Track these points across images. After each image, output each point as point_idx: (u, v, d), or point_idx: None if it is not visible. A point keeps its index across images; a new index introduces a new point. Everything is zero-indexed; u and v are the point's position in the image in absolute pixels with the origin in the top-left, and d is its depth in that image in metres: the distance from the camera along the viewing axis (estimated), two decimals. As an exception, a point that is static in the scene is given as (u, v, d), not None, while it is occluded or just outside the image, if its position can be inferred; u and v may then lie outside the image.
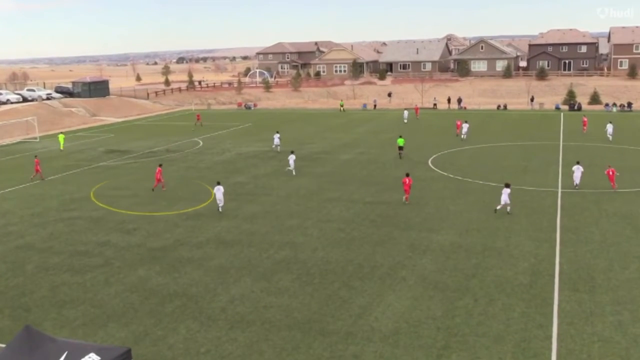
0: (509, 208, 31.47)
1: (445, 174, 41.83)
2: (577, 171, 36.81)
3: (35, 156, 48.60)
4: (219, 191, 33.72)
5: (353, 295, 21.87)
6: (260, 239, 28.75)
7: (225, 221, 32.00)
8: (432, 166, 44.64)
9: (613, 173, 35.77)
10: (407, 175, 35.27)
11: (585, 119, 62.01)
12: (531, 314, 19.84)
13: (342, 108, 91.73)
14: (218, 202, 33.87)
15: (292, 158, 43.49)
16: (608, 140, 54.08)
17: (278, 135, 54.84)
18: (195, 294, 22.53)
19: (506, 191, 31.41)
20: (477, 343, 18.11)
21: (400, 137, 49.84)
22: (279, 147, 53.76)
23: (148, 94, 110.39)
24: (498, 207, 31.67)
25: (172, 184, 41.57)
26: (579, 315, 19.65)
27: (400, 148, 48.55)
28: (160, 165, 41.38)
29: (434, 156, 48.57)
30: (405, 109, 78.55)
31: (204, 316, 20.58)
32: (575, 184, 36.71)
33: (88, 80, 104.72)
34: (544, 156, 46.90)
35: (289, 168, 43.46)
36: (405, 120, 71.85)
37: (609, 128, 55.31)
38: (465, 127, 57.58)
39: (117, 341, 18.99)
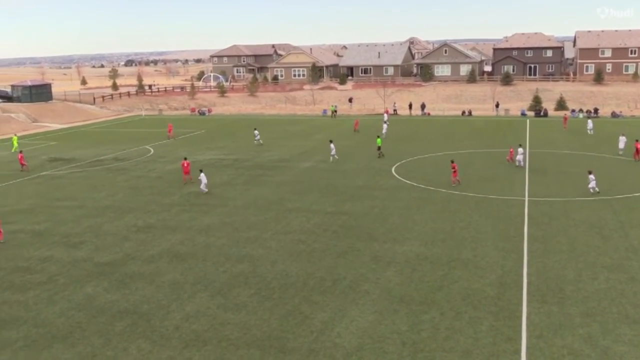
0: (597, 189, 36.99)
1: (410, 182, 42.24)
2: (520, 154, 46.17)
3: (21, 151, 53.82)
4: (204, 177, 40.35)
5: (314, 310, 21.87)
6: (216, 252, 28.55)
7: (178, 233, 31.69)
8: (396, 174, 45.03)
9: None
10: (452, 161, 41.45)
11: (566, 116, 72.55)
12: (499, 327, 20.13)
13: (334, 114, 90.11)
14: (204, 186, 40.12)
15: (333, 149, 51.23)
16: (587, 135, 63.29)
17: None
18: (147, 311, 22.22)
19: (591, 177, 36.98)
20: (444, 358, 18.28)
21: (379, 137, 54.82)
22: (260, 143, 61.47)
23: (94, 98, 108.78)
24: (592, 188, 37.08)
25: (121, 195, 41.04)
26: (548, 327, 20.01)
27: (379, 148, 53.03)
28: (185, 159, 45.13)
29: (398, 164, 49.02)
30: (385, 112, 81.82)
31: (157, 335, 20.31)
32: (520, 163, 45.97)
33: (29, 83, 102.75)
34: (510, 164, 47.70)
35: (332, 154, 51.01)
36: (386, 119, 75.25)
37: (589, 124, 64.98)
38: (385, 127, 66.90)
39: (62, 363, 18.62)
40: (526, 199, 36.85)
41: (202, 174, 40.55)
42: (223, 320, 21.22)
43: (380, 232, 30.95)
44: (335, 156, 51.20)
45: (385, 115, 79.08)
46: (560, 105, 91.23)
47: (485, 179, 42.77)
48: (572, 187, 39.02)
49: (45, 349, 19.61)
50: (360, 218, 33.71)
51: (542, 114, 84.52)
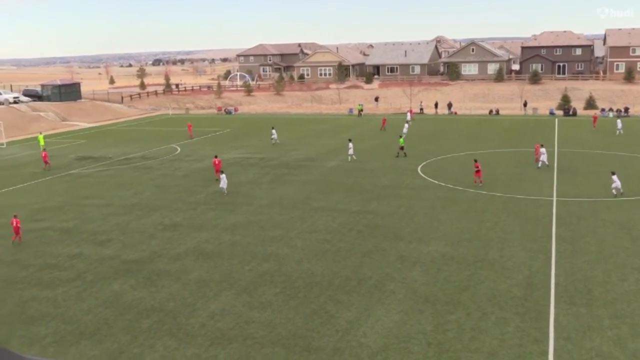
0: (614, 191, 36.01)
1: (436, 181, 42.03)
2: (542, 154, 45.47)
3: (44, 149, 55.20)
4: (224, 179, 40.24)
5: (340, 309, 21.87)
6: (241, 251, 28.69)
7: (204, 232, 31.91)
8: (421, 174, 44.84)
9: None
10: (476, 160, 40.89)
11: (596, 116, 72.67)
12: (526, 329, 19.95)
13: (360, 113, 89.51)
14: (225, 188, 39.79)
15: (350, 148, 51.12)
16: (616, 135, 62.09)
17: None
18: (173, 309, 22.41)
19: (614, 178, 36.10)
20: (469, 359, 18.17)
21: (401, 137, 54.69)
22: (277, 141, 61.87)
23: (122, 97, 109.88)
24: (620, 191, 36.06)
25: (148, 193, 41.43)
26: (576, 329, 19.79)
27: (401, 148, 52.72)
28: (216, 156, 46.23)
29: (424, 163, 48.81)
30: (409, 112, 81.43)
31: (183, 332, 20.48)
32: (544, 164, 45.13)
33: (58, 82, 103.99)
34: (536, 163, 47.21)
35: (350, 154, 51.03)
36: (408, 119, 74.96)
37: (619, 124, 64.00)
38: (406, 127, 65.66)
39: None
40: (554, 199, 36.46)
41: (223, 175, 40.51)
42: (248, 319, 21.32)
43: (406, 232, 30.85)
44: (354, 156, 50.93)
45: (409, 114, 78.32)
46: (590, 104, 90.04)
47: (513, 178, 42.40)
48: (601, 187, 38.45)
49: (73, 345, 19.88)
50: (386, 217, 33.63)
51: (571, 113, 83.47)
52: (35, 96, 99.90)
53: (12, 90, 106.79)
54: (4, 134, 69.86)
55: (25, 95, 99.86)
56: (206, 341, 19.79)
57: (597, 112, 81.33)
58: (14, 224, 30.89)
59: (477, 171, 40.32)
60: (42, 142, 61.96)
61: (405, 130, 64.61)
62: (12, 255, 29.09)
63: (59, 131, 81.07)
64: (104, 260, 27.95)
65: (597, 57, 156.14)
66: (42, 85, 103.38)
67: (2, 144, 67.99)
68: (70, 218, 35.68)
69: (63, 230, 33.25)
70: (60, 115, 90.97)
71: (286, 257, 27.58)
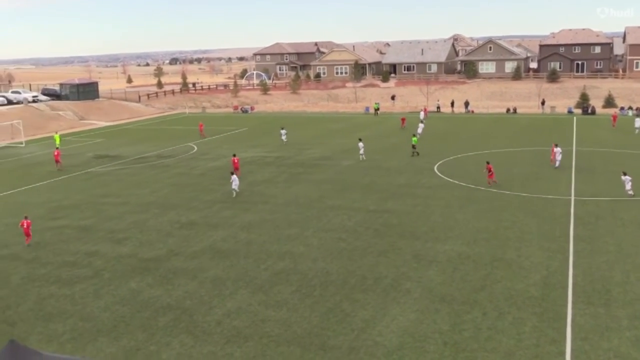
0: (631, 192, 35.51)
1: (453, 180, 41.86)
2: (558, 154, 44.82)
3: (57, 148, 55.01)
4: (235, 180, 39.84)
5: (355, 308, 21.87)
6: (257, 249, 28.76)
7: (220, 230, 32.02)
8: (438, 173, 44.68)
9: None
10: (488, 162, 40.61)
11: (615, 114, 70.19)
12: (543, 329, 19.83)
13: (376, 112, 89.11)
14: (235, 188, 39.38)
15: (361, 148, 51.21)
16: (635, 133, 61.41)
17: None
18: (190, 306, 22.52)
19: (627, 179, 35.74)
20: (486, 359, 18.09)
21: (414, 136, 55.02)
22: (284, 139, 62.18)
23: (139, 96, 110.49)
24: (630, 192, 35.60)
25: (164, 191, 41.65)
26: (594, 330, 19.63)
27: (414, 147, 52.72)
28: (234, 155, 46.23)
29: (440, 162, 48.63)
30: (423, 110, 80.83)
31: (199, 330, 20.58)
32: (555, 165, 44.60)
33: (76, 82, 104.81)
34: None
35: (361, 153, 51.05)
36: (422, 118, 74.06)
37: (637, 122, 62.40)
38: (420, 127, 64.88)
39: (107, 356, 19.01)
40: (572, 198, 36.18)
41: (234, 176, 40.32)
42: (264, 317, 21.38)
43: (422, 231, 30.76)
44: (363, 156, 50.93)
45: (422, 113, 77.60)
46: (609, 102, 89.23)
47: (531, 178, 42.12)
48: (619, 186, 38.05)
49: (91, 342, 20.04)
50: (402, 216, 33.55)
51: (589, 111, 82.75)
52: (53, 95, 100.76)
53: (31, 90, 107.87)
54: (23, 133, 70.50)
55: (44, 94, 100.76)
56: (222, 339, 19.87)
57: (617, 110, 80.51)
58: (24, 226, 30.55)
59: (490, 173, 39.91)
60: (57, 141, 62.48)
61: (419, 129, 64.10)
62: (31, 253, 29.39)
63: (77, 130, 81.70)
64: (121, 258, 28.15)
65: (616, 55, 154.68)
66: (61, 85, 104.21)
67: (21, 143, 68.63)
68: (87, 216, 35.97)
69: (81, 228, 33.53)
70: (78, 114, 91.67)
71: (302, 256, 27.61)
